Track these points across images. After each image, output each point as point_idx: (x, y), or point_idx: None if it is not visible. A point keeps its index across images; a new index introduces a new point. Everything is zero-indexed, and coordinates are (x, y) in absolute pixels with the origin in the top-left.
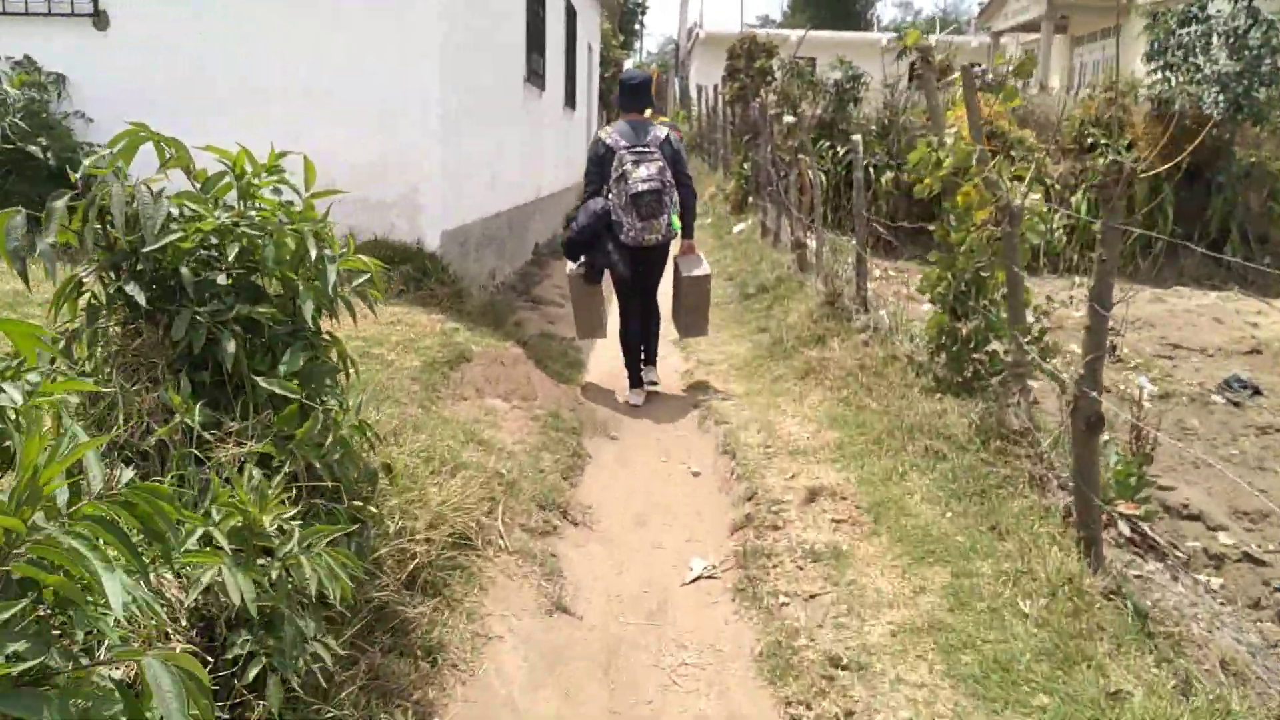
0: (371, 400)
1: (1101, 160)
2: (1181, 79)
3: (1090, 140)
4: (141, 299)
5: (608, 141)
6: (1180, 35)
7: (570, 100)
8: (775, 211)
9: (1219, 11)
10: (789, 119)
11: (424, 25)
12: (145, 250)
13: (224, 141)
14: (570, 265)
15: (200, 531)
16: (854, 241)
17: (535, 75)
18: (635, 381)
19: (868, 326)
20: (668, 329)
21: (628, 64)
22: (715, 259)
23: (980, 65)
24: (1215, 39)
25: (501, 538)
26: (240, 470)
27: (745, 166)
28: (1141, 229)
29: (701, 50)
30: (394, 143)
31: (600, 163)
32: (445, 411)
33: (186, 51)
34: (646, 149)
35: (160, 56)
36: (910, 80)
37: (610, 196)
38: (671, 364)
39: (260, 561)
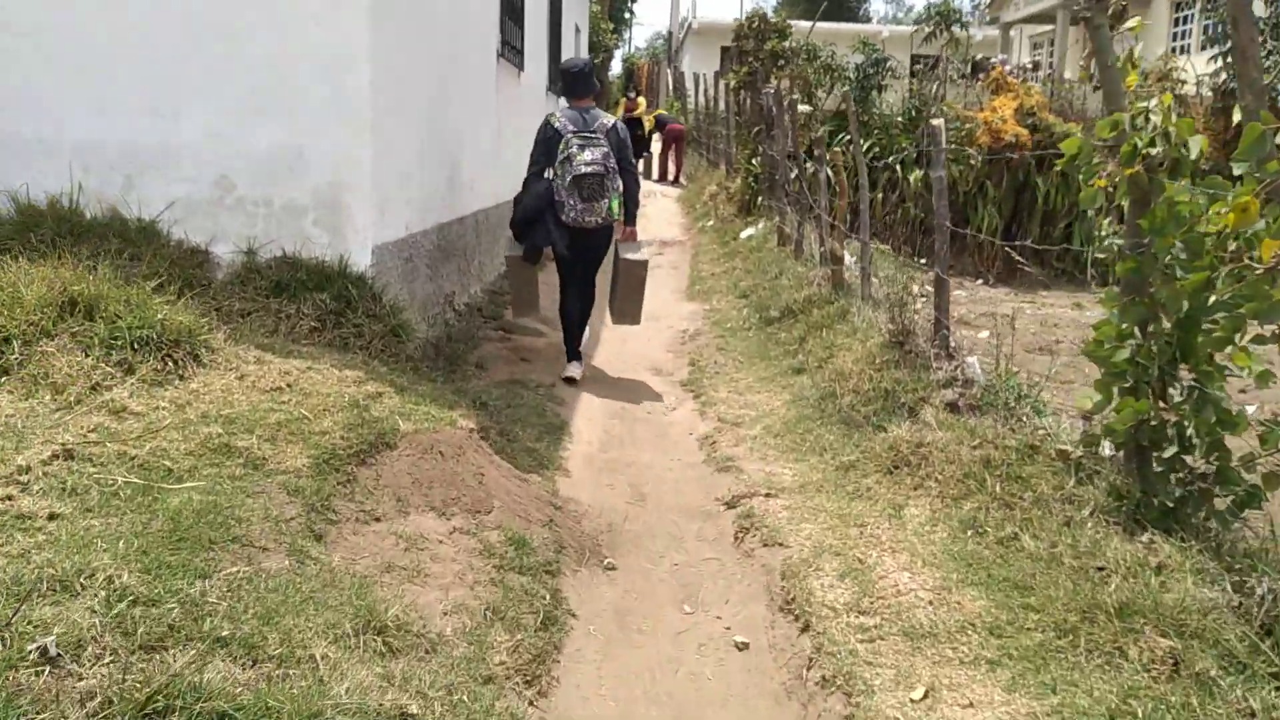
0: (198, 563)
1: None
2: None
3: None
4: None
5: (555, 125)
6: None
7: (555, 85)
8: (795, 215)
9: None
10: (804, 108)
11: None
12: None
13: (72, 122)
14: (509, 245)
15: None
16: (923, 262)
17: (512, 51)
18: (572, 355)
19: (954, 380)
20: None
21: (617, 54)
22: (722, 269)
23: (1002, 56)
24: None
25: None
26: None
27: (754, 162)
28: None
29: (694, 40)
30: (307, 126)
31: (547, 144)
32: (337, 554)
33: (15, 4)
34: (593, 134)
35: None
36: (934, 66)
37: (554, 178)
38: (684, 421)
39: None
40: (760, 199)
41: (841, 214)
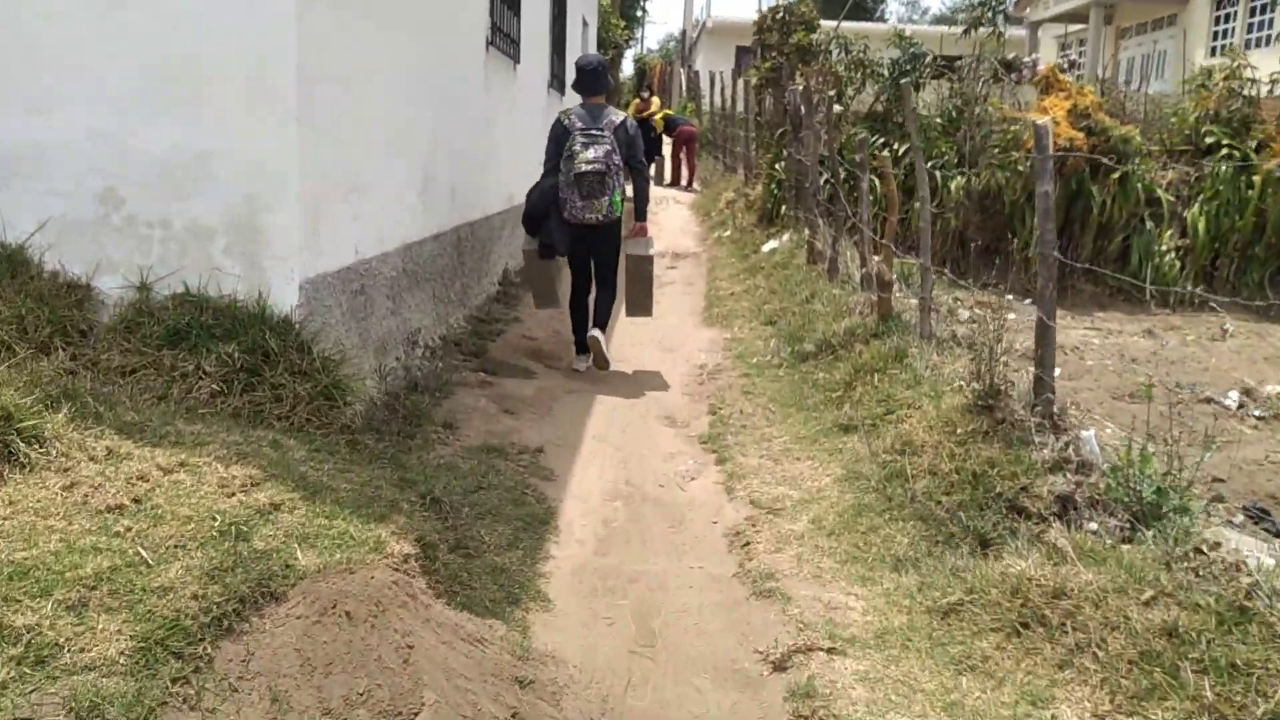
0: None
1: (1225, 165)
2: None
3: (1210, 140)
4: None
5: (565, 122)
6: None
7: (558, 82)
8: (829, 229)
9: None
10: (834, 108)
11: None
12: None
13: None
14: (526, 240)
15: None
16: (1010, 295)
17: (506, 40)
18: (580, 349)
19: (1065, 462)
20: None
21: (628, 54)
22: (743, 288)
23: (1034, 56)
24: None
25: None
26: None
27: (778, 167)
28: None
29: (708, 40)
30: (216, 124)
31: (557, 142)
32: None
33: None
34: (600, 132)
35: None
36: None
37: (560, 175)
38: (706, 500)
39: None
40: (785, 208)
41: (891, 230)
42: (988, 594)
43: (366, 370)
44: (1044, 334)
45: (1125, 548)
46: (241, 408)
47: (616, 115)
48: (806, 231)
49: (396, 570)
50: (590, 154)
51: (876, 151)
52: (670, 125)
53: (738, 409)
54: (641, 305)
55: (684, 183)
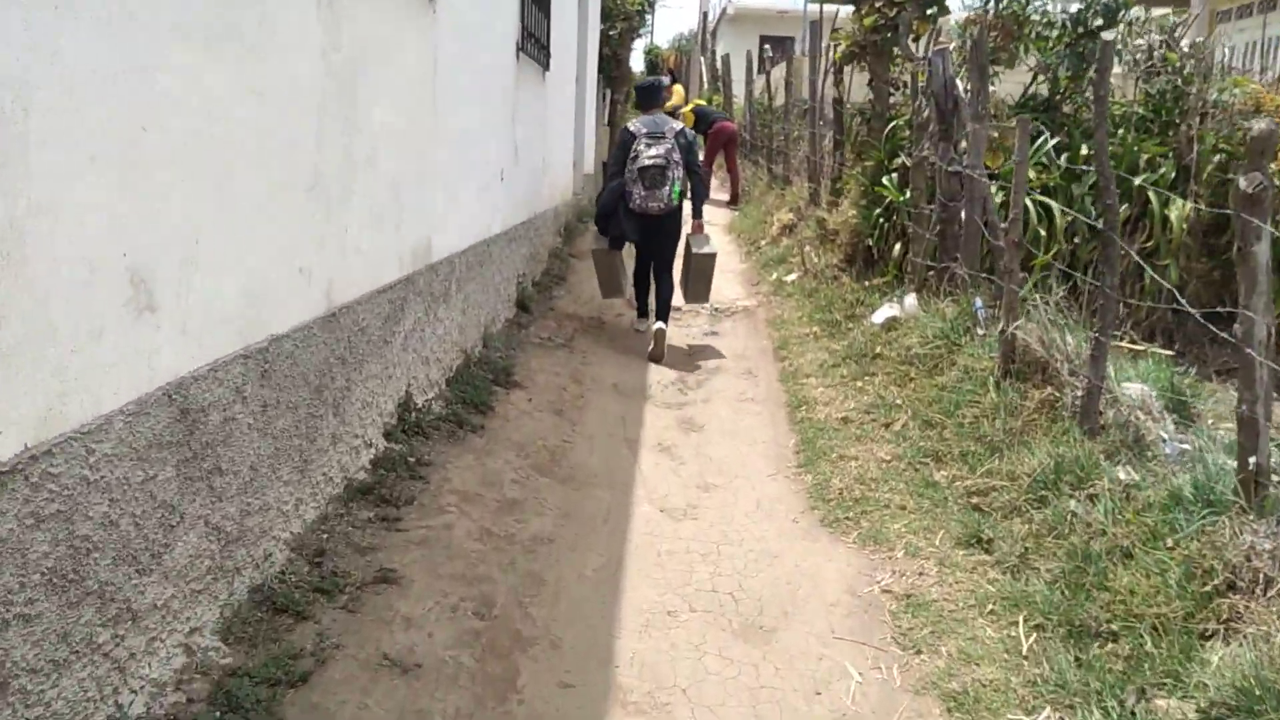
0: None
1: None
2: None
3: None
4: None
5: (631, 129)
6: None
7: (538, 49)
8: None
9: None
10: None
11: None
12: None
13: None
14: (595, 239)
15: None
16: None
17: None
18: (642, 312)
19: None
20: None
21: (636, 45)
22: (858, 404)
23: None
24: None
25: None
26: None
27: (887, 183)
28: None
29: (729, 28)
30: None
31: (625, 147)
32: None
33: None
34: (661, 135)
35: None
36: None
37: (627, 173)
38: None
39: None
40: (902, 250)
41: None
42: None
43: None
44: None
45: None
46: None
47: (675, 123)
48: (978, 302)
49: None
50: (653, 151)
51: (1048, 158)
52: (703, 120)
53: None
54: (700, 295)
55: (729, 196)
